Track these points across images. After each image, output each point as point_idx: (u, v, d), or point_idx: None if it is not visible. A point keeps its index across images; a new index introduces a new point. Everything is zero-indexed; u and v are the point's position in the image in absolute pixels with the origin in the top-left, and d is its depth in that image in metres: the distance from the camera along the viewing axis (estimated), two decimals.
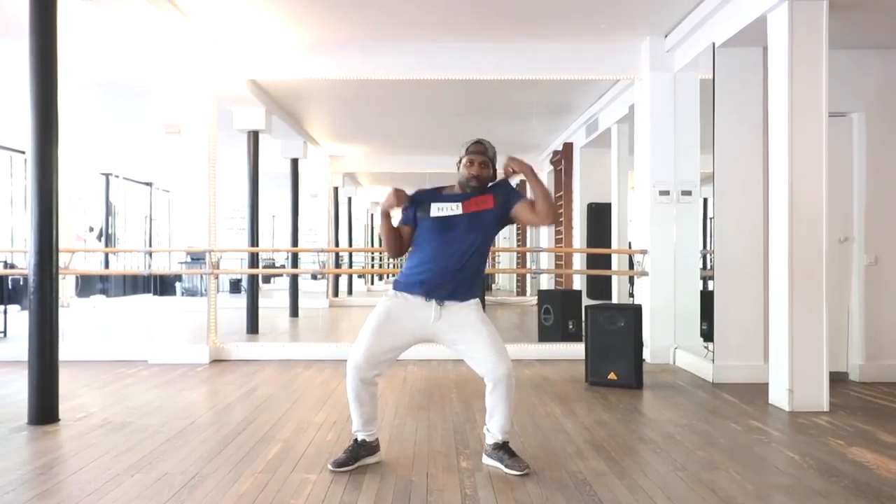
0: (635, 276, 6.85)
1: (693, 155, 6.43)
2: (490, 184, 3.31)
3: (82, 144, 11.71)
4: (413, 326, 3.23)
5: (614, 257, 8.34)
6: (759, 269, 5.27)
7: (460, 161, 3.28)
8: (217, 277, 6.80)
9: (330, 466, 3.26)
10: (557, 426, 4.09)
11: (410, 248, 3.32)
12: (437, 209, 3.22)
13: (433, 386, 5.18)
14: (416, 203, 3.27)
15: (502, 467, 3.24)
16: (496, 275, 17.21)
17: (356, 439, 3.35)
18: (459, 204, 3.21)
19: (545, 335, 7.41)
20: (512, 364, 3.23)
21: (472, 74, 6.68)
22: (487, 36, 6.42)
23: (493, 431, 3.30)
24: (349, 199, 16.19)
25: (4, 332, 8.29)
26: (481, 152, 3.26)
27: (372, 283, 18.03)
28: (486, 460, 3.35)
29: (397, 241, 3.29)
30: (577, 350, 6.08)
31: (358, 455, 3.31)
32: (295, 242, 10.76)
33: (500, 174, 3.33)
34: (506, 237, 18.15)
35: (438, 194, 3.30)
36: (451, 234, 3.19)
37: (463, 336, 3.23)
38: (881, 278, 5.58)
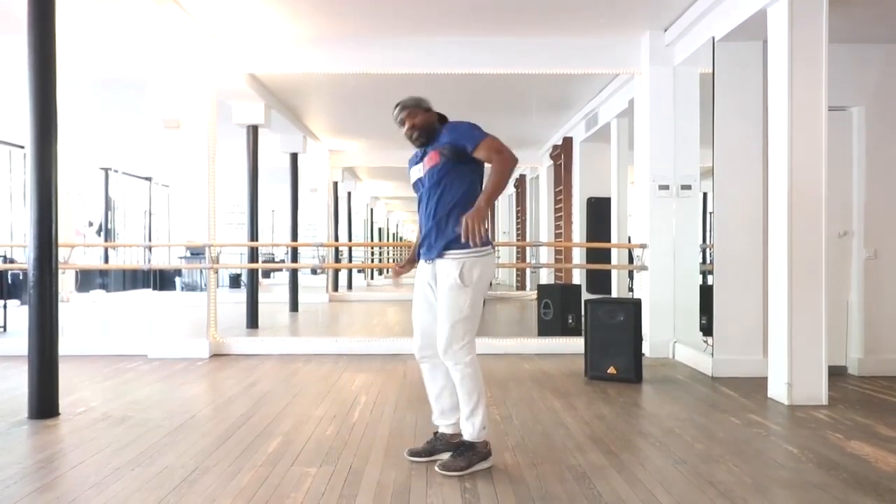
0: (635, 271, 6.85)
1: (693, 149, 6.42)
2: (441, 128, 3.25)
3: (81, 139, 11.69)
4: (427, 291, 3.27)
5: (614, 252, 8.36)
6: (759, 264, 5.27)
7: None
8: (217, 272, 6.80)
9: (405, 453, 3.32)
10: (557, 420, 4.10)
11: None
12: (412, 174, 3.33)
13: None
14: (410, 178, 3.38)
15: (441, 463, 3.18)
16: (496, 269, 17.20)
17: (435, 432, 3.36)
18: (422, 164, 3.27)
19: (545, 330, 7.42)
20: (454, 348, 3.07)
21: (472, 69, 6.67)
22: (487, 30, 6.41)
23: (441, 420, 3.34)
24: (349, 193, 16.18)
25: (4, 327, 8.30)
26: (401, 109, 3.29)
27: (371, 278, 18.04)
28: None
29: None
30: (576, 344, 6.09)
31: (434, 448, 3.30)
32: (294, 237, 10.76)
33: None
34: (505, 232, 18.17)
35: (413, 159, 3.38)
36: (422, 194, 3.27)
37: (437, 300, 3.19)
38: (880, 272, 5.58)
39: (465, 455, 3.14)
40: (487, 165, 3.14)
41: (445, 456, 3.23)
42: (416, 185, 3.31)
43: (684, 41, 6.14)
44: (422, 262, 3.28)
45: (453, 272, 3.09)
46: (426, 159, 3.22)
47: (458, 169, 3.14)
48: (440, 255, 3.14)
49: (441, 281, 3.13)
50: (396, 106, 3.30)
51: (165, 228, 17.55)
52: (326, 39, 6.58)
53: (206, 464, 3.26)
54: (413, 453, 3.32)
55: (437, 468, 3.14)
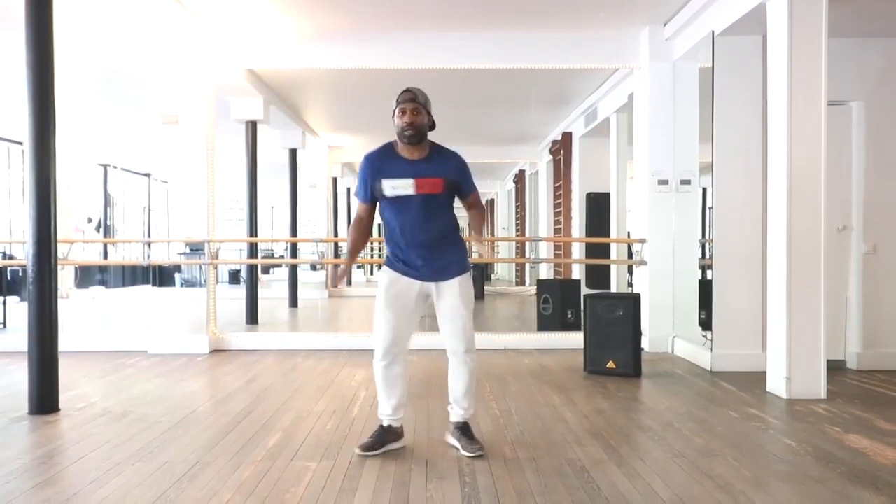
0: (634, 266, 6.85)
1: (692, 144, 6.42)
2: (437, 147, 3.33)
3: (80, 135, 11.67)
4: (413, 291, 3.32)
5: (613, 247, 8.35)
6: (758, 259, 5.28)
7: (394, 113, 3.26)
8: (216, 268, 6.80)
9: (357, 450, 3.32)
10: (556, 415, 4.11)
11: (381, 224, 3.45)
12: (391, 187, 3.22)
13: (432, 375, 5.18)
14: (370, 179, 3.26)
15: (459, 447, 3.34)
16: (495, 264, 17.22)
17: (381, 424, 3.39)
18: (412, 182, 3.20)
19: (544, 324, 7.43)
20: (474, 347, 3.38)
21: (472, 64, 6.66)
22: (487, 25, 6.40)
23: (455, 409, 3.43)
24: (348, 189, 16.16)
25: (4, 324, 8.30)
26: (411, 99, 3.24)
27: (371, 274, 18.01)
28: (447, 437, 3.46)
29: (364, 235, 3.46)
30: (575, 339, 6.10)
31: (384, 440, 3.36)
32: (294, 233, 10.76)
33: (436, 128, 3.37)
34: (504, 227, 18.17)
35: (388, 164, 3.26)
36: (407, 215, 3.24)
37: (441, 310, 3.36)
38: (879, 267, 5.58)
39: (471, 434, 3.40)
40: None
41: (395, 446, 3.37)
42: (397, 202, 3.23)
43: (684, 36, 6.13)
44: (408, 279, 3.31)
45: (457, 289, 3.32)
46: (425, 182, 3.21)
47: (450, 199, 3.35)
48: (453, 276, 3.31)
49: (456, 294, 3.31)
50: (408, 90, 3.26)
51: (164, 224, 17.54)
52: (326, 34, 6.57)
53: (207, 459, 3.27)
54: (365, 448, 3.30)
55: (465, 453, 3.28)
